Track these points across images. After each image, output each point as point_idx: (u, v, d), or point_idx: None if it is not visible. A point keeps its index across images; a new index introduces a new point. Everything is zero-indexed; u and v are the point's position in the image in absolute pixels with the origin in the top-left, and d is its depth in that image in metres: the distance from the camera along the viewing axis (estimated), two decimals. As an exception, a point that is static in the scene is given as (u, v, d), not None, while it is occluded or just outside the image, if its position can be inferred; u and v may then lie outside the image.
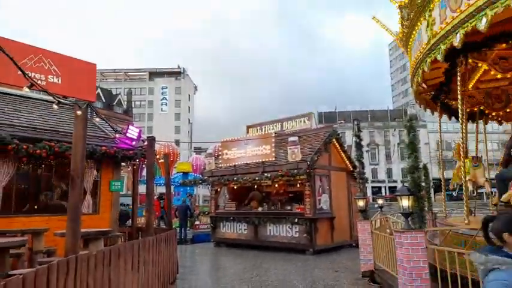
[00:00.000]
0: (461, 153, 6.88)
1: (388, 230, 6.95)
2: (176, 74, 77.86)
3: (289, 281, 7.78)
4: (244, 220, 13.21)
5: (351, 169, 13.70)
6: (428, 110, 9.21)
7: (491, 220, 2.27)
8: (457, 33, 5.00)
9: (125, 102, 55.91)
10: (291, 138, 12.50)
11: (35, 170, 8.78)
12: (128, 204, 23.04)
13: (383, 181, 62.43)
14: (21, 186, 8.70)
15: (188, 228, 16.22)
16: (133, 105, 59.41)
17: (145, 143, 8.13)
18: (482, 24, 4.45)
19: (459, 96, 6.58)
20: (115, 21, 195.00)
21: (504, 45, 5.91)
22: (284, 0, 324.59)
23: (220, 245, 13.89)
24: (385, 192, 58.68)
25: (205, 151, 22.27)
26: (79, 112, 4.44)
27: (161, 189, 19.70)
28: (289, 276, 8.28)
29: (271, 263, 10.00)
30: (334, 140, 13.22)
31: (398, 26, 7.22)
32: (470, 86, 7.81)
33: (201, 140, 77.95)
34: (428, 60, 6.02)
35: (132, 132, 7.77)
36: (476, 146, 9.08)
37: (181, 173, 21.33)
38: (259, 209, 13.34)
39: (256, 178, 12.87)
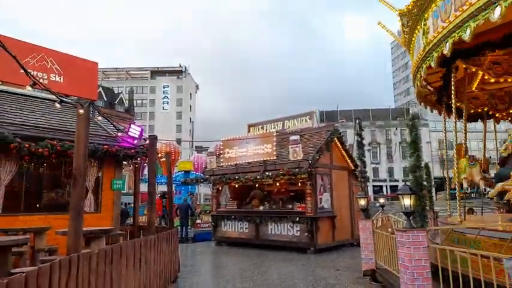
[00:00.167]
0: (456, 155, 6.97)
1: (389, 229, 6.94)
2: (178, 72, 77.89)
3: (291, 279, 7.78)
4: (245, 219, 13.22)
5: (353, 168, 13.69)
6: (429, 109, 9.26)
7: None
8: (446, 42, 5.30)
9: (127, 101, 55.97)
10: (293, 137, 12.49)
11: (37, 169, 8.80)
12: (129, 203, 23.12)
13: (384, 180, 62.36)
14: (23, 184, 8.73)
15: (189, 227, 16.25)
16: (134, 104, 59.47)
17: (147, 141, 8.14)
18: (467, 35, 4.77)
19: (453, 101, 6.89)
20: (115, 20, 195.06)
21: (497, 51, 6.11)
22: (284, 0, 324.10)
23: (222, 244, 13.90)
24: (386, 191, 58.61)
25: (207, 150, 22.30)
26: (81, 111, 4.44)
27: (162, 188, 19.72)
28: (290, 275, 8.28)
29: (273, 262, 10.01)
30: (335, 138, 13.21)
31: (400, 31, 7.45)
32: (474, 88, 7.93)
33: (202, 139, 77.99)
34: (424, 66, 6.33)
35: (134, 130, 7.76)
36: (484, 146, 9.11)
37: (183, 172, 21.37)
38: (261, 207, 13.35)
39: (258, 177, 12.88)
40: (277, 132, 13.92)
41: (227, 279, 8.05)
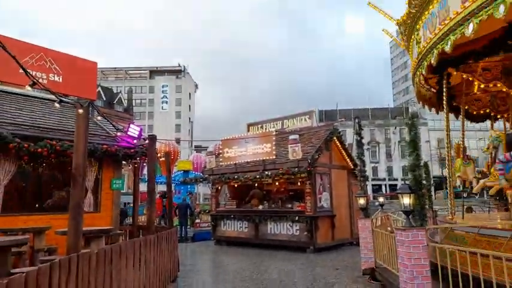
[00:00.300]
0: (455, 154, 7.11)
1: (389, 228, 6.95)
2: (177, 72, 77.81)
3: (290, 279, 7.79)
4: (245, 218, 13.22)
5: (352, 167, 13.70)
6: (427, 108, 9.32)
7: None
8: (432, 53, 5.74)
9: (126, 101, 55.91)
10: (292, 137, 12.49)
11: (36, 169, 8.79)
12: (128, 203, 23.11)
13: (383, 179, 62.41)
14: (22, 184, 8.73)
15: (189, 227, 16.25)
16: (133, 104, 59.45)
17: (146, 141, 8.13)
18: (448, 47, 5.23)
19: (444, 105, 7.26)
20: (115, 20, 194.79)
21: (486, 58, 6.51)
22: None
23: (221, 243, 13.91)
24: (386, 190, 58.66)
25: (206, 149, 22.29)
26: (81, 110, 4.44)
27: (162, 188, 19.72)
28: (289, 274, 8.29)
29: (272, 261, 10.02)
30: (335, 138, 13.22)
31: (400, 37, 7.89)
32: (476, 90, 8.15)
33: (201, 139, 77.96)
34: (418, 73, 6.76)
35: (133, 130, 7.75)
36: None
37: (182, 172, 21.37)
38: (260, 207, 13.35)
39: (257, 176, 12.88)
40: (276, 131, 13.91)
41: (227, 278, 8.05)
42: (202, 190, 29.11)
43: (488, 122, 9.91)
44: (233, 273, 8.61)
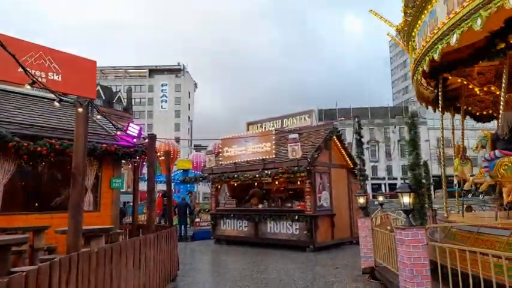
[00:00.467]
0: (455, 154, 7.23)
1: (388, 227, 6.95)
2: (176, 71, 77.68)
3: (290, 277, 7.79)
4: (244, 217, 13.23)
5: (351, 166, 13.70)
6: (425, 107, 9.44)
7: None
8: (425, 60, 6.08)
9: (125, 100, 55.80)
10: (292, 136, 12.49)
11: (36, 168, 8.77)
12: (128, 202, 23.08)
13: (383, 178, 62.41)
14: (22, 183, 8.72)
15: (188, 226, 16.25)
16: (133, 103, 59.29)
17: (146, 140, 8.13)
18: (436, 55, 5.60)
19: (440, 110, 7.71)
20: (115, 20, 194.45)
21: (480, 62, 6.72)
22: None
23: (221, 242, 13.91)
24: (385, 189, 58.67)
25: (206, 148, 22.28)
26: (80, 109, 4.43)
27: (161, 187, 19.70)
28: (289, 273, 8.29)
29: (272, 260, 10.02)
30: (334, 137, 13.22)
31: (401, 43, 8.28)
32: (478, 91, 8.28)
33: (201, 138, 77.97)
34: (415, 78, 7.11)
35: (133, 129, 7.75)
36: None
37: (182, 171, 21.35)
38: (260, 206, 13.36)
39: (257, 175, 12.89)
40: (276, 130, 13.90)
41: (226, 277, 8.06)
42: (202, 189, 29.11)
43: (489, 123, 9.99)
44: (233, 272, 8.61)
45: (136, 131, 7.72)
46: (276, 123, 15.15)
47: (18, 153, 7.73)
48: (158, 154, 17.59)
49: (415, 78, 7.14)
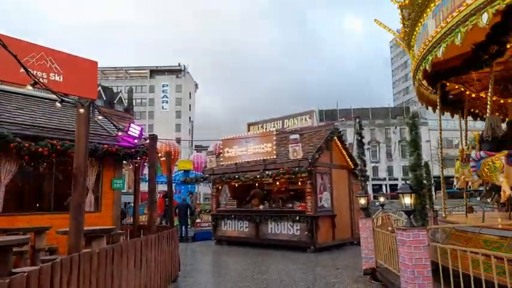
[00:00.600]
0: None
1: (389, 228, 6.94)
2: (177, 71, 77.74)
3: (291, 278, 7.78)
4: (245, 218, 13.22)
5: (352, 167, 13.69)
6: (426, 107, 9.53)
7: None
8: (420, 69, 6.53)
9: (126, 100, 55.86)
10: (292, 136, 12.49)
11: (37, 168, 8.78)
12: (128, 203, 23.10)
13: (384, 179, 62.34)
14: (23, 184, 8.73)
15: (189, 226, 16.25)
16: (134, 103, 59.35)
17: (147, 141, 8.13)
18: (428, 66, 5.99)
19: (438, 113, 8.11)
20: (115, 20, 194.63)
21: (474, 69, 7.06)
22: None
23: (222, 243, 13.91)
24: (386, 190, 58.56)
25: (207, 149, 22.27)
26: (82, 110, 4.44)
27: (162, 187, 19.71)
28: (290, 273, 8.28)
29: (273, 261, 10.01)
30: (335, 137, 13.21)
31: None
32: (483, 95, 8.40)
33: (201, 138, 77.87)
34: (416, 85, 7.59)
35: (134, 130, 7.75)
36: None
37: (183, 171, 21.35)
38: (261, 207, 13.34)
39: (258, 176, 12.88)
40: (277, 131, 13.90)
41: (227, 278, 8.05)
42: (203, 190, 29.08)
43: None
44: (234, 273, 8.61)
45: (138, 132, 7.72)
46: (277, 123, 15.15)
47: (20, 154, 7.74)
48: (159, 155, 17.60)
49: (416, 85, 7.57)
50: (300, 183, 12.52)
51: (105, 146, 8.91)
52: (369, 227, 7.75)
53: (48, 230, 7.24)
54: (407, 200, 5.00)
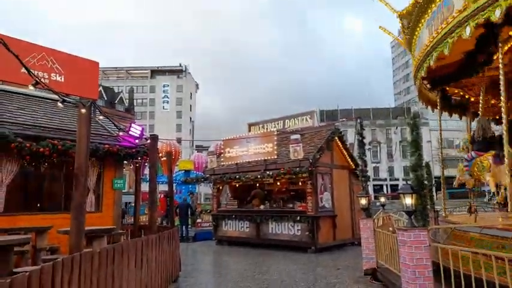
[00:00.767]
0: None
1: (390, 228, 6.94)
2: (178, 72, 77.82)
3: (291, 278, 7.79)
4: (246, 218, 13.22)
5: (353, 167, 13.69)
6: (428, 107, 9.61)
7: None
8: (417, 77, 7.02)
9: (127, 100, 55.93)
10: (293, 136, 12.48)
11: (38, 168, 8.79)
12: (129, 203, 23.10)
13: (384, 179, 62.34)
14: (24, 184, 8.73)
15: (190, 226, 16.26)
16: (135, 103, 59.41)
17: (148, 141, 8.14)
18: (423, 73, 6.45)
19: (438, 118, 8.48)
20: (116, 20, 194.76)
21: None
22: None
23: (223, 243, 13.91)
24: (387, 191, 58.56)
25: (207, 149, 22.27)
26: (83, 110, 4.44)
27: (163, 187, 19.72)
28: (291, 274, 8.29)
29: (273, 261, 10.01)
30: (336, 138, 13.20)
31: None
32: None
33: (202, 138, 77.91)
34: (417, 89, 8.25)
35: (135, 130, 7.75)
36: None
37: (183, 171, 21.36)
38: (261, 207, 13.35)
39: (258, 176, 12.88)
40: (277, 131, 13.90)
41: (228, 278, 8.05)
42: (204, 190, 29.10)
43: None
44: (234, 273, 8.61)
45: (138, 132, 7.73)
46: (278, 124, 15.14)
47: (21, 153, 7.75)
48: (160, 155, 17.61)
49: (417, 84, 7.88)
50: (300, 184, 12.52)
51: (106, 146, 8.92)
52: (369, 227, 7.75)
53: (49, 229, 7.25)
54: (408, 201, 4.99)
